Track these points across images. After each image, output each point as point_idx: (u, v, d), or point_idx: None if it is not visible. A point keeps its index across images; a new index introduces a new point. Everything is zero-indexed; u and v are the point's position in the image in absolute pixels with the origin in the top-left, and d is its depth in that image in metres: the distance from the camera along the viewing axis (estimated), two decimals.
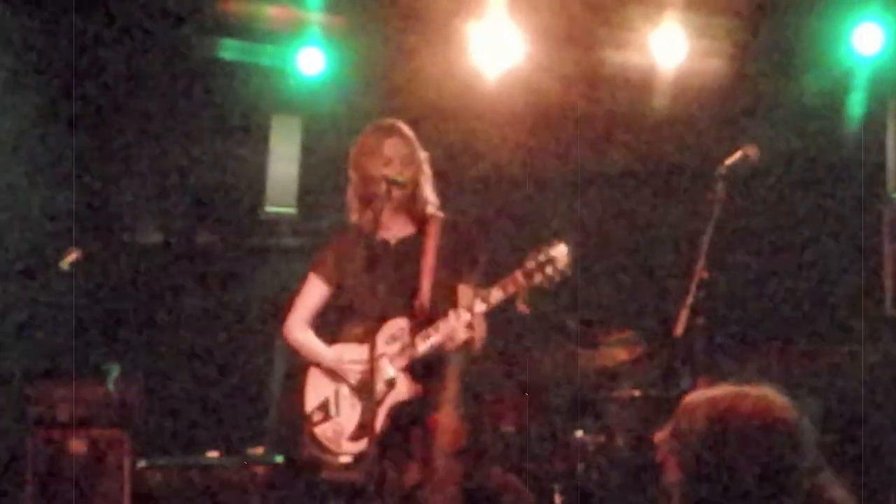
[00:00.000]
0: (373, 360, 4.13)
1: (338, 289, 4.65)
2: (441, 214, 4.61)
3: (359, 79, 6.97)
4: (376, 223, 4.43)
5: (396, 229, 4.60)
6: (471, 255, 4.59)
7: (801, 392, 2.38)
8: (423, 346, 4.41)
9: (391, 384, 4.44)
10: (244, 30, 6.91)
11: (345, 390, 4.57)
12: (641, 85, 6.80)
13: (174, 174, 7.29)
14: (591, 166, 7.31)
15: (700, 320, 4.27)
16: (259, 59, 7.01)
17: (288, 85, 7.08)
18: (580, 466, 5.84)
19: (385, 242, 4.58)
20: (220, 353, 7.18)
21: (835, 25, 6.65)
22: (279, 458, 6.17)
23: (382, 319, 4.42)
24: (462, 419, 4.53)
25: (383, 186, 4.36)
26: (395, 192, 4.42)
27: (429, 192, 4.59)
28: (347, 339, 4.58)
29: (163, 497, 5.96)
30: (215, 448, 6.22)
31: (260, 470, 6.07)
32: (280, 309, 4.86)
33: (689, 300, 4.28)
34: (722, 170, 4.45)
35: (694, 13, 6.58)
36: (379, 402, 4.40)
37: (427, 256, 4.51)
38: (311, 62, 7.01)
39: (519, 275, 4.29)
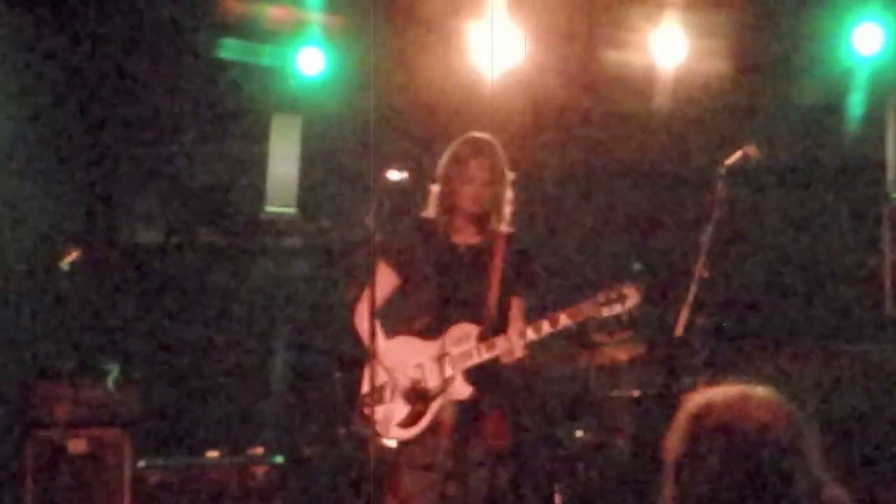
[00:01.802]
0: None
1: (405, 281, 4.75)
2: (509, 230, 4.74)
3: (359, 79, 6.96)
4: (450, 227, 4.69)
5: (466, 236, 4.75)
6: (527, 270, 4.78)
7: (799, 392, 2.36)
8: (486, 354, 4.56)
9: (448, 382, 4.57)
10: (244, 30, 6.90)
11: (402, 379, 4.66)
12: (641, 85, 6.80)
13: (174, 174, 7.28)
14: (590, 166, 7.30)
15: (700, 320, 4.28)
16: (259, 59, 7.00)
17: (288, 85, 7.07)
18: (580, 466, 5.84)
19: (455, 246, 4.73)
20: (219, 353, 7.18)
21: (835, 25, 6.65)
22: (279, 458, 6.17)
23: (451, 321, 4.61)
24: (510, 425, 4.75)
25: (460, 199, 4.62)
26: (471, 209, 4.64)
27: (506, 212, 4.73)
28: (411, 333, 4.67)
29: (163, 497, 5.96)
30: (215, 448, 6.22)
31: (260, 470, 6.07)
32: (279, 308, 4.87)
33: (689, 300, 4.29)
34: (722, 170, 4.46)
35: (694, 13, 6.58)
36: (434, 397, 4.58)
37: (496, 268, 4.66)
38: (311, 62, 7.00)
39: (589, 305, 4.49)
